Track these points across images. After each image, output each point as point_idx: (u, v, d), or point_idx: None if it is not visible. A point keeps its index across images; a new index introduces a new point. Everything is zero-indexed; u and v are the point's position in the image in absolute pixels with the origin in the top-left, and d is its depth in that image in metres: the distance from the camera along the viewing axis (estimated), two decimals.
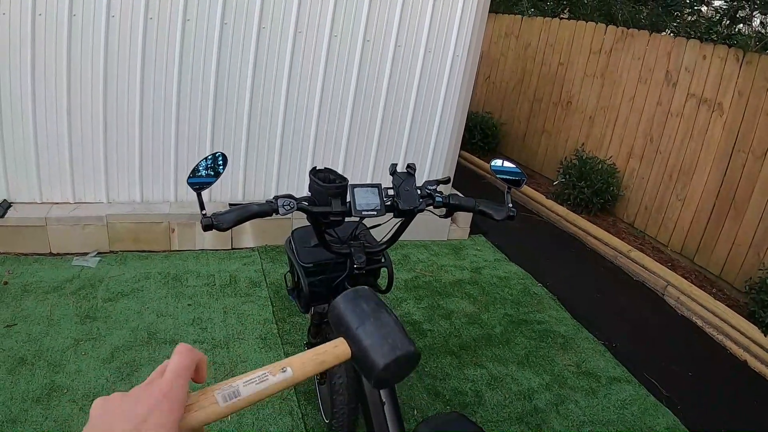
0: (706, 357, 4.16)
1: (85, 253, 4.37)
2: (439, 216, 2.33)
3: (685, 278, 4.90)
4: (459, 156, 5.55)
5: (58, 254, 4.33)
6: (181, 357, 0.76)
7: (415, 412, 3.19)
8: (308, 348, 2.93)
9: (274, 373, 0.83)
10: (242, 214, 1.95)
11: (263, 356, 3.47)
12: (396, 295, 4.34)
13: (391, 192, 2.13)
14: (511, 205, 2.21)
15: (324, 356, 0.91)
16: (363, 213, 2.02)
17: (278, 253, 4.74)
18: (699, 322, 4.51)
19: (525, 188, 6.72)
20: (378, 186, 2.08)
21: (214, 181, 2.04)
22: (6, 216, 4.19)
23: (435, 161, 5.32)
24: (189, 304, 3.91)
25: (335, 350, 0.93)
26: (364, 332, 0.96)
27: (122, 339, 3.48)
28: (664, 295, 4.87)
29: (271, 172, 4.90)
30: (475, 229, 5.59)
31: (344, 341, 0.96)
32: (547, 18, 7.39)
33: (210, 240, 4.66)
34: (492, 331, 4.05)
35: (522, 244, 5.58)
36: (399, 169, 2.19)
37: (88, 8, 3.98)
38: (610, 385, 3.63)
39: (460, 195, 2.24)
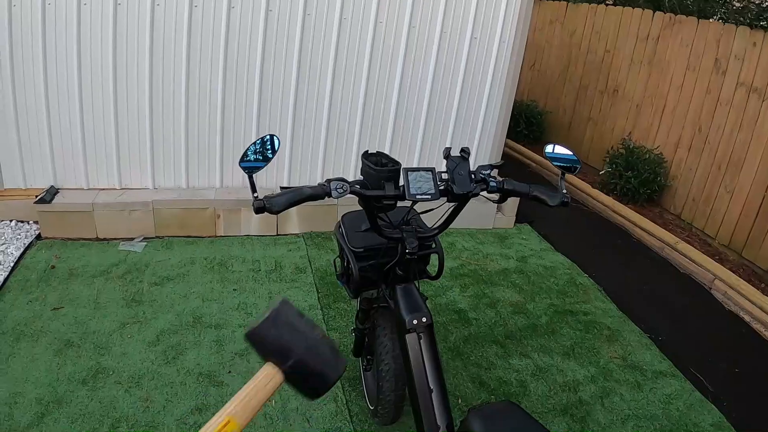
0: (754, 353, 4.05)
1: (132, 238, 4.42)
2: (493, 201, 2.30)
3: (733, 272, 4.78)
4: (504, 144, 5.49)
5: (105, 239, 4.39)
6: None
7: (460, 400, 3.17)
8: (355, 334, 2.94)
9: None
10: (294, 196, 1.94)
11: None
12: (442, 283, 4.32)
13: (444, 176, 2.11)
14: (565, 191, 2.17)
15: (260, 394, 0.94)
16: (417, 197, 2.00)
17: (324, 240, 4.75)
18: (746, 318, 4.41)
19: (571, 177, 6.63)
20: (432, 170, 2.06)
21: (265, 165, 2.04)
22: (53, 202, 4.25)
23: (482, 147, 5.28)
24: (234, 289, 3.94)
25: (269, 383, 0.96)
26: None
27: (168, 323, 3.51)
28: (711, 288, 4.77)
29: (316, 156, 4.91)
30: (520, 217, 5.54)
31: (272, 366, 0.98)
32: (592, 4, 7.27)
33: (255, 226, 4.68)
34: (537, 321, 4.01)
35: (568, 233, 5.51)
36: (453, 153, 2.16)
37: None
38: (655, 379, 3.57)
39: (514, 181, 2.20)
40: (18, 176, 4.37)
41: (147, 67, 4.22)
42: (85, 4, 3.96)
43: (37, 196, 4.26)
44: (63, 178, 4.43)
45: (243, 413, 0.86)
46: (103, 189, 4.51)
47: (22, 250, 4.10)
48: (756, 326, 4.31)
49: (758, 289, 4.53)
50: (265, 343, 0.98)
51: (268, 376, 0.94)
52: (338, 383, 3.16)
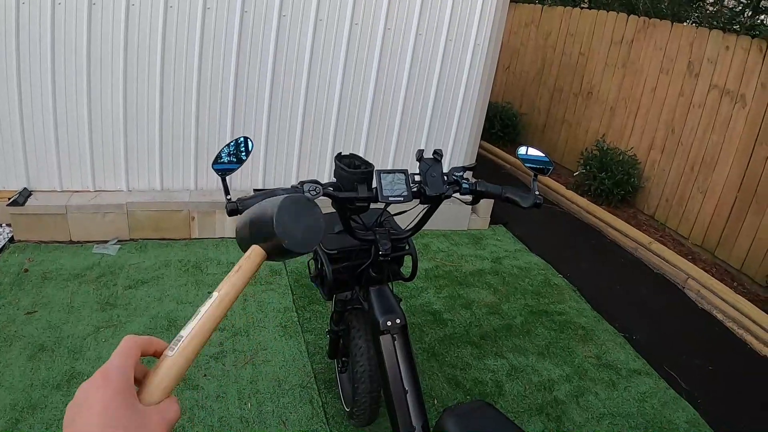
0: (727, 351, 4.11)
1: (106, 241, 4.38)
2: (466, 203, 2.31)
3: (706, 271, 4.84)
4: (479, 146, 5.51)
5: (79, 242, 4.35)
6: (123, 342, 0.77)
7: (435, 401, 3.18)
8: (330, 336, 2.94)
9: (204, 304, 0.84)
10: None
11: (283, 344, 3.47)
12: (416, 285, 4.32)
13: (417, 178, 2.12)
14: (537, 192, 2.18)
15: (241, 263, 0.93)
16: (390, 199, 2.00)
17: None
18: (719, 316, 4.46)
19: (545, 179, 6.67)
20: (405, 172, 2.06)
21: (238, 167, 2.03)
22: (26, 204, 4.21)
23: (456, 149, 5.29)
24: (209, 292, 3.87)
25: (249, 257, 0.95)
26: (254, 213, 1.01)
27: (142, 326, 3.49)
28: (684, 288, 4.83)
29: (291, 158, 4.89)
30: (495, 219, 5.56)
31: (255, 246, 0.97)
32: (567, 7, 7.32)
33: (230, 228, 4.66)
34: (512, 322, 4.03)
35: (542, 234, 5.55)
36: (426, 155, 2.17)
37: None
38: (630, 378, 3.61)
39: (486, 182, 2.21)
40: None
41: (121, 69, 4.18)
42: (59, 4, 3.92)
43: (9, 199, 4.21)
44: (36, 180, 4.38)
45: (225, 285, 0.88)
46: (77, 191, 4.46)
47: None
48: (729, 324, 4.36)
49: (731, 288, 4.60)
50: (262, 239, 0.99)
51: (251, 249, 0.97)
52: (314, 386, 3.16)
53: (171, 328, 3.49)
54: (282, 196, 0.99)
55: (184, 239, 4.59)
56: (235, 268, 0.91)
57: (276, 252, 0.98)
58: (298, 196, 1.01)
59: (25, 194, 4.29)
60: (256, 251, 0.96)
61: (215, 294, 0.85)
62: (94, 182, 4.48)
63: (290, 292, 4.02)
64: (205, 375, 3.15)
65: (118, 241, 4.42)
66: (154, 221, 4.48)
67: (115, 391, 0.69)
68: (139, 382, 0.76)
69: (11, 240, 4.26)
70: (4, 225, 4.33)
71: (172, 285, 3.96)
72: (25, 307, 3.55)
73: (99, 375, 0.70)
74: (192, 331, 0.80)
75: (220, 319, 0.85)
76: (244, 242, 1.02)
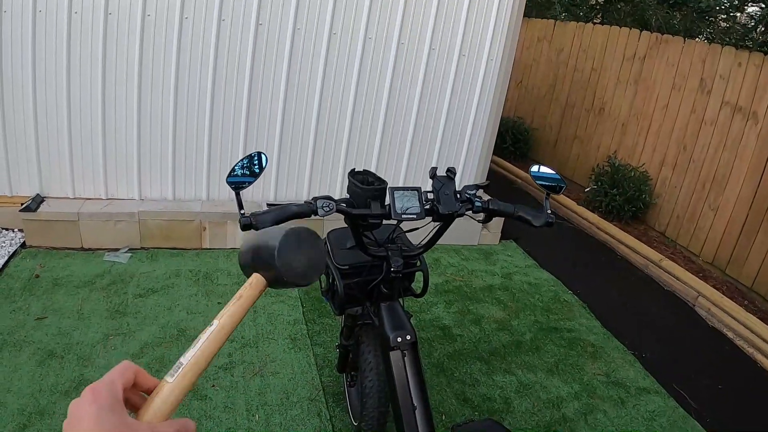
0: (737, 370, 4.09)
1: (117, 249, 4.40)
2: (478, 221, 2.31)
3: (717, 289, 4.82)
4: (490, 161, 5.51)
5: (90, 249, 4.37)
6: (119, 364, 0.79)
7: (444, 417, 3.17)
8: (339, 350, 2.94)
9: (205, 331, 0.86)
10: (281, 214, 1.94)
11: (292, 356, 3.47)
12: (426, 299, 4.31)
13: (430, 195, 2.12)
14: (549, 211, 2.18)
15: (241, 292, 0.94)
16: (402, 216, 2.00)
17: None
18: (730, 335, 4.44)
19: None
20: (418, 189, 2.07)
21: (252, 181, 2.04)
22: (39, 210, 4.23)
23: (468, 165, 5.30)
24: (219, 303, 3.92)
25: (251, 285, 0.96)
26: (258, 240, 1.01)
27: (152, 335, 3.49)
28: (694, 305, 4.80)
29: (303, 172, 4.91)
30: (505, 234, 5.55)
31: (257, 274, 0.98)
32: (580, 23, 7.33)
33: (241, 239, 4.67)
34: (522, 338, 4.02)
35: (553, 250, 5.53)
36: (439, 173, 2.17)
37: (124, 6, 4.03)
38: (639, 396, 3.59)
39: (499, 201, 2.21)
40: (4, 183, 4.34)
41: (136, 78, 4.21)
42: (75, 13, 3.95)
43: (22, 204, 4.23)
44: (49, 186, 4.41)
45: (225, 314, 0.89)
46: (89, 198, 4.49)
47: (6, 258, 4.08)
48: (739, 343, 4.34)
49: (741, 306, 4.57)
50: (264, 268, 1.00)
51: (252, 278, 0.98)
52: (323, 399, 3.17)
53: (181, 337, 3.50)
54: (285, 229, 1.00)
55: (195, 249, 4.60)
56: (236, 296, 0.93)
57: (276, 282, 0.99)
58: (302, 228, 1.01)
59: (38, 200, 4.32)
60: (257, 280, 0.97)
61: (215, 322, 0.87)
62: (106, 190, 4.50)
63: (300, 304, 4.02)
64: (213, 385, 3.15)
65: (129, 249, 4.43)
66: (165, 230, 4.49)
67: (104, 405, 0.71)
68: (139, 408, 0.78)
69: (23, 245, 4.28)
70: (16, 230, 4.36)
71: (182, 295, 3.96)
72: (36, 312, 3.57)
73: (88, 391, 0.73)
74: (192, 359, 0.82)
75: (219, 347, 0.86)
76: (246, 267, 1.03)
